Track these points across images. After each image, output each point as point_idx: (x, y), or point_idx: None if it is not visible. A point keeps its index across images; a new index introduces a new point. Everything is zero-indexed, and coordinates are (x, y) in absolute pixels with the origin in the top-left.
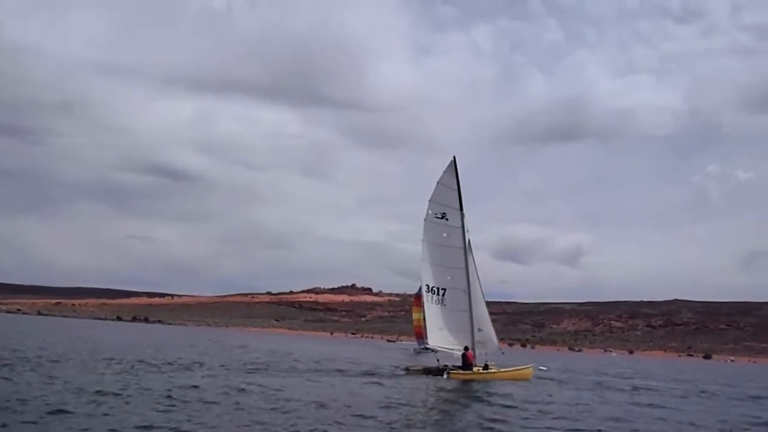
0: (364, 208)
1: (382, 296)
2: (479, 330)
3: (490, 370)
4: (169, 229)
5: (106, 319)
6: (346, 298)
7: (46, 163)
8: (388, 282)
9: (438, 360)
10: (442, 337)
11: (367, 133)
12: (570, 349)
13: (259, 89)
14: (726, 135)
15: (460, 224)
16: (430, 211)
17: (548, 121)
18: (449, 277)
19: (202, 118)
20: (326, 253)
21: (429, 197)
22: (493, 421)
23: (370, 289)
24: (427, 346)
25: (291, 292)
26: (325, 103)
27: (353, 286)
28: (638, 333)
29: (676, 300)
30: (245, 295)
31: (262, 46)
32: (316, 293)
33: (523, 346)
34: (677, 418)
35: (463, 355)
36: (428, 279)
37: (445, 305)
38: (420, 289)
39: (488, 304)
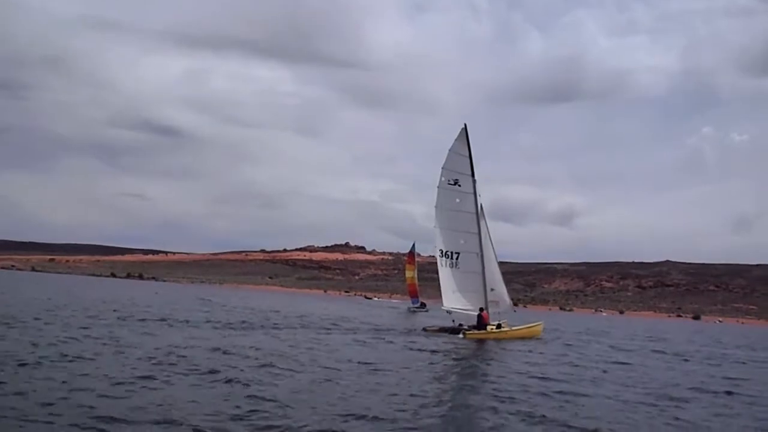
0: (358, 167)
1: (376, 255)
2: (492, 290)
3: (503, 329)
4: (163, 186)
5: (100, 275)
6: (339, 256)
7: (36, 119)
8: (381, 241)
9: (453, 320)
10: (456, 299)
11: (361, 92)
12: (561, 308)
13: (252, 46)
14: (721, 97)
15: (472, 190)
16: (442, 178)
17: (544, 81)
18: (462, 241)
19: (194, 74)
20: (320, 211)
21: (441, 164)
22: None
23: (363, 248)
24: (421, 305)
25: (285, 250)
26: (319, 61)
27: (347, 244)
28: (629, 294)
29: (667, 261)
30: (239, 252)
31: (256, 2)
32: (310, 251)
33: (515, 305)
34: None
35: (479, 316)
36: (442, 244)
37: (458, 268)
38: (413, 246)
39: None
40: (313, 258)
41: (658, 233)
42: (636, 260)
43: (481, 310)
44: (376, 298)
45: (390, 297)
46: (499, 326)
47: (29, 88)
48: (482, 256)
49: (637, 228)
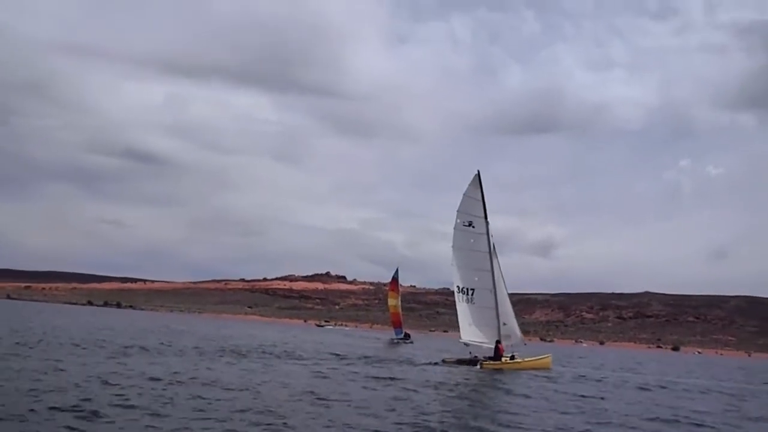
0: (339, 195)
1: (357, 284)
2: (504, 324)
3: (516, 360)
4: (142, 213)
5: (76, 303)
6: (320, 285)
7: (13, 145)
8: (362, 270)
9: (470, 352)
10: (472, 332)
11: (342, 120)
12: (542, 339)
13: (232, 73)
14: (698, 131)
15: (485, 231)
16: (458, 220)
17: (523, 113)
18: (476, 278)
19: (174, 101)
20: (300, 240)
21: (457, 208)
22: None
23: (344, 277)
24: (405, 336)
25: (265, 279)
26: (299, 89)
27: (327, 273)
28: (609, 324)
29: (647, 292)
30: (219, 281)
31: (235, 29)
32: (290, 281)
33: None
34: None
35: (496, 348)
36: (459, 280)
37: (474, 303)
38: (396, 272)
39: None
40: (293, 287)
41: (638, 264)
42: (616, 291)
43: (498, 342)
44: (329, 326)
45: (344, 325)
46: (512, 357)
47: (7, 112)
48: (495, 292)
49: (617, 259)
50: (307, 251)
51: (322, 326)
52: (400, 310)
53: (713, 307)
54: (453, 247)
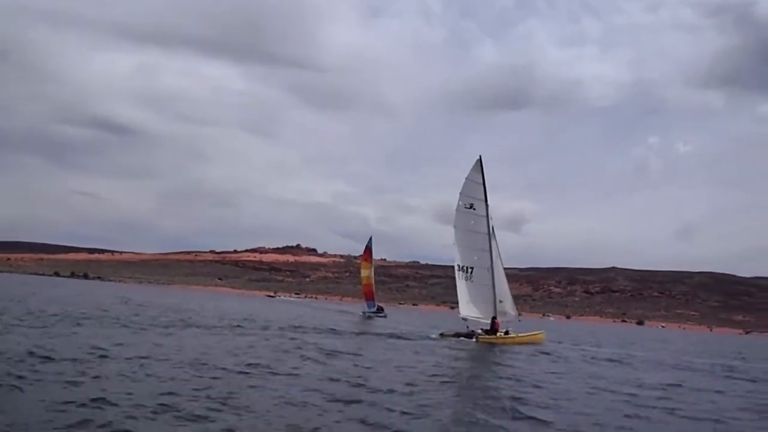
0: (311, 168)
1: (327, 257)
2: (500, 301)
3: (510, 335)
4: (111, 184)
5: (43, 274)
6: (290, 258)
7: None
8: (333, 243)
9: (467, 327)
10: (470, 308)
11: (314, 93)
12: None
13: (204, 44)
14: (668, 108)
15: (485, 213)
16: (460, 202)
17: (496, 89)
18: (476, 258)
19: (144, 71)
20: (271, 212)
21: (459, 190)
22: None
23: (315, 250)
24: (378, 310)
25: (235, 251)
26: (272, 60)
27: (298, 246)
28: (576, 299)
29: (613, 267)
30: (189, 253)
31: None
32: (261, 252)
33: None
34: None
35: (492, 323)
36: (459, 259)
37: (472, 281)
38: (370, 241)
39: (431, 267)
40: (264, 259)
41: (606, 240)
42: (583, 266)
43: (494, 318)
44: (279, 297)
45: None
46: (507, 332)
47: None
48: (493, 271)
49: (585, 234)
50: (278, 224)
51: (273, 297)
52: (373, 281)
53: (678, 282)
54: (455, 227)
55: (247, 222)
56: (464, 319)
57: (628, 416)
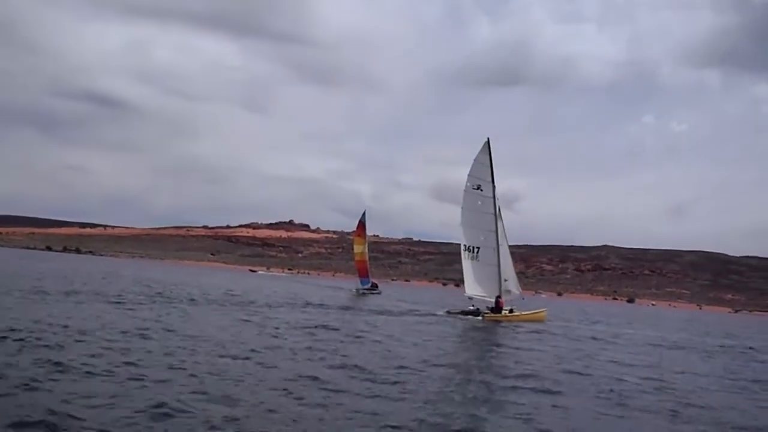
0: (305, 144)
1: (320, 233)
2: (505, 280)
3: (515, 313)
4: (104, 158)
5: (34, 248)
6: (283, 233)
7: None
8: (327, 220)
9: (473, 305)
10: (476, 287)
11: (309, 68)
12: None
13: (197, 18)
14: (663, 87)
15: (491, 194)
16: (468, 183)
17: (492, 65)
18: (482, 238)
19: (137, 45)
20: (265, 188)
21: (468, 172)
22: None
23: (307, 226)
24: (372, 287)
25: (228, 227)
26: (266, 35)
27: (291, 222)
28: (567, 276)
29: (605, 246)
30: (181, 228)
31: None
32: (254, 228)
33: (457, 285)
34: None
35: (496, 301)
36: (465, 239)
37: (478, 261)
38: (363, 215)
39: (424, 244)
40: (257, 235)
41: (598, 218)
42: (575, 244)
43: (498, 297)
44: (260, 272)
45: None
46: (511, 311)
47: None
48: (498, 250)
49: (577, 212)
50: (271, 200)
51: (254, 272)
52: (367, 257)
53: (669, 261)
54: (462, 208)
55: (241, 198)
56: (470, 298)
57: None
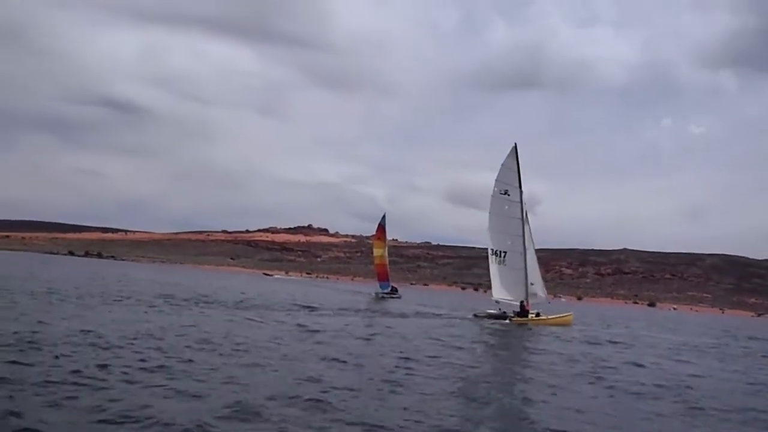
0: (321, 148)
1: (339, 237)
2: (531, 284)
3: (541, 317)
4: (122, 163)
5: (57, 253)
6: (302, 238)
7: None
8: (344, 224)
9: (500, 308)
10: (503, 291)
11: (324, 73)
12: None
13: (212, 23)
14: (680, 89)
15: (519, 199)
16: (495, 189)
17: (507, 69)
18: (509, 242)
19: (153, 50)
20: (282, 193)
21: (495, 177)
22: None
23: (326, 230)
24: (392, 291)
25: (247, 231)
26: (281, 40)
27: (309, 226)
28: (587, 280)
29: (625, 249)
30: (200, 232)
31: None
32: (272, 233)
33: (476, 289)
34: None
35: (521, 305)
36: (492, 243)
37: (506, 265)
38: (383, 218)
39: (442, 248)
40: (275, 239)
41: (617, 221)
42: (595, 248)
43: (522, 301)
44: (275, 276)
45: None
46: (538, 314)
47: None
48: (525, 255)
49: (597, 216)
50: (289, 205)
51: (269, 275)
52: (386, 261)
53: (690, 265)
54: (489, 212)
55: (258, 203)
56: (497, 302)
57: None
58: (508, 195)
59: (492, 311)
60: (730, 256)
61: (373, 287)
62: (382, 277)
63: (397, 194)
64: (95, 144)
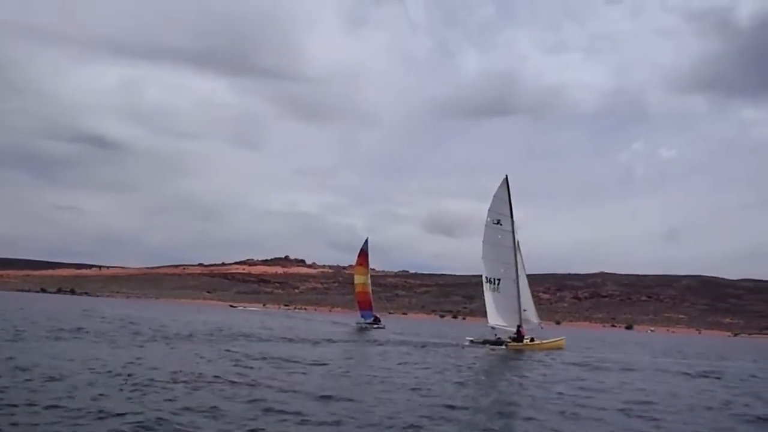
0: (298, 179)
1: (316, 268)
2: (524, 310)
3: (535, 342)
4: (97, 199)
5: (29, 291)
6: (279, 269)
7: None
8: (322, 254)
9: (495, 335)
10: (498, 317)
11: (300, 104)
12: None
13: (186, 57)
14: (651, 114)
15: (510, 229)
16: (488, 218)
17: (480, 96)
18: (502, 270)
19: (128, 85)
20: (259, 224)
21: (488, 207)
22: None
23: (303, 261)
24: (375, 320)
25: (223, 264)
26: (255, 72)
27: (286, 257)
28: (565, 305)
29: (601, 273)
30: (176, 266)
31: (188, 12)
32: (249, 265)
33: (454, 317)
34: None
35: (517, 331)
36: (487, 271)
37: (499, 292)
38: (365, 243)
39: (420, 276)
40: (252, 271)
41: (593, 245)
42: (572, 272)
43: (519, 326)
44: (240, 307)
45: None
46: (532, 339)
47: None
48: (518, 282)
49: (572, 240)
50: (266, 236)
51: (234, 307)
52: (369, 289)
53: (665, 286)
54: (483, 242)
55: (235, 234)
56: (492, 328)
57: None
58: (501, 224)
59: (488, 338)
60: (705, 276)
61: (351, 317)
62: (365, 306)
63: (374, 223)
64: (72, 180)
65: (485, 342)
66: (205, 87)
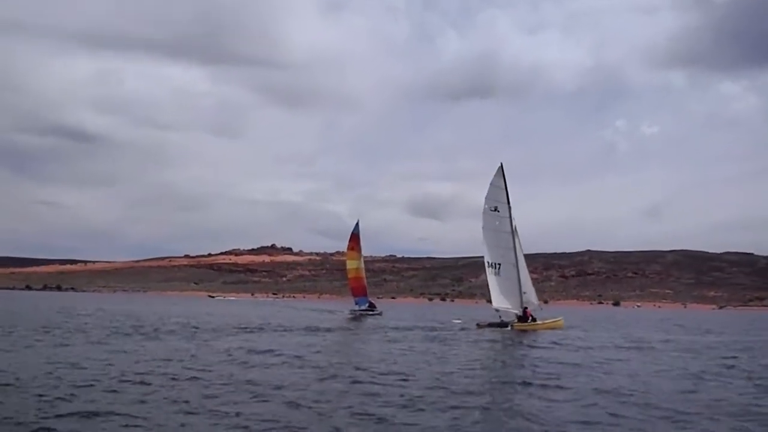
0: (280, 167)
1: (303, 255)
2: (524, 293)
3: (538, 322)
4: (79, 193)
5: (14, 288)
6: (266, 258)
7: None
8: (308, 242)
9: (500, 317)
10: (501, 300)
11: (279, 91)
12: (487, 301)
13: (163, 47)
14: (632, 91)
15: (508, 215)
16: (486, 206)
17: (460, 78)
18: (502, 255)
19: (105, 76)
20: (243, 213)
21: (485, 195)
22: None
23: (290, 249)
24: (370, 307)
25: (209, 255)
26: (234, 60)
27: (273, 246)
28: (552, 284)
29: (587, 251)
30: (163, 258)
31: (163, 1)
32: (236, 255)
33: (443, 300)
34: None
35: (524, 312)
36: (488, 256)
37: (500, 276)
38: (356, 226)
39: (407, 260)
40: (239, 261)
41: (578, 224)
42: (558, 251)
43: (525, 307)
44: (219, 297)
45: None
46: (534, 320)
47: None
48: (517, 266)
49: (558, 219)
50: (251, 225)
51: (213, 297)
52: (363, 273)
53: (651, 262)
54: (483, 228)
55: (220, 224)
56: (497, 310)
57: None
58: (498, 211)
59: (493, 321)
60: (689, 251)
61: (342, 304)
62: (359, 292)
63: (359, 208)
64: (51, 174)
65: (490, 325)
66: (183, 77)
